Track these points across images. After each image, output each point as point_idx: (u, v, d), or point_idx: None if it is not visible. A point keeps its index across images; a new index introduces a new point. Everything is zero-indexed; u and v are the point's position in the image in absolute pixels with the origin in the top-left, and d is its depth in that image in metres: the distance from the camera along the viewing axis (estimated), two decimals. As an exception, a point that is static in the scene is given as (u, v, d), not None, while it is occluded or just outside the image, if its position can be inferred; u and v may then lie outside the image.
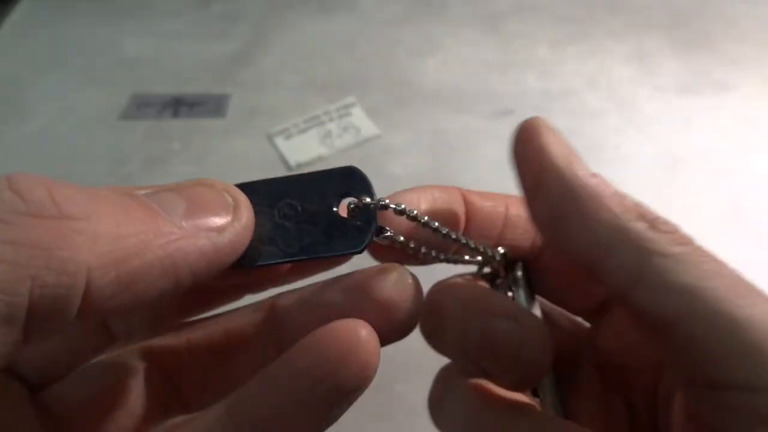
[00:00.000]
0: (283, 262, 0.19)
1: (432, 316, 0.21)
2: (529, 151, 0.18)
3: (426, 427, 0.40)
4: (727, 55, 0.68)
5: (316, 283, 0.20)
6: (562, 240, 0.17)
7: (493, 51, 0.70)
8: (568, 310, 0.24)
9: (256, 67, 0.69)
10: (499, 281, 0.22)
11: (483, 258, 0.21)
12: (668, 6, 0.75)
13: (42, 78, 0.68)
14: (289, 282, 0.22)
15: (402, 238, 0.19)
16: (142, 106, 0.64)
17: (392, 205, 0.19)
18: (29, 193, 0.14)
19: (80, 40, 0.73)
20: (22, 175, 0.14)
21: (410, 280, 0.18)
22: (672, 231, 0.17)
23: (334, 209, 0.19)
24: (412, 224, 0.20)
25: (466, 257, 0.21)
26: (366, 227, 0.18)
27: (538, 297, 0.23)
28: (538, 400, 0.21)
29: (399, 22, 0.74)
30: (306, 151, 0.59)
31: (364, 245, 0.18)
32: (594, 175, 0.17)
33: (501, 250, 0.21)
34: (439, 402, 0.22)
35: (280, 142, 0.60)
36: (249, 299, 0.22)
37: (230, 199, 0.17)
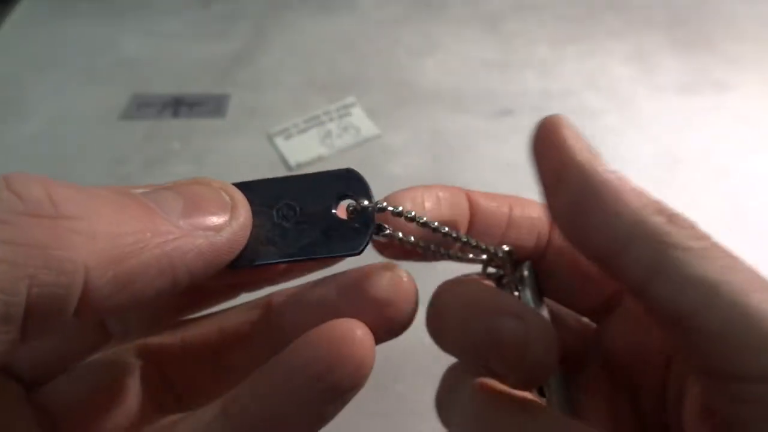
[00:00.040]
0: (281, 263, 0.19)
1: (438, 315, 0.21)
2: (549, 147, 0.18)
3: (426, 427, 0.40)
4: (727, 55, 0.68)
5: (312, 282, 0.20)
6: (582, 234, 0.17)
7: (493, 51, 0.70)
8: (573, 311, 0.24)
9: (255, 67, 0.69)
10: (505, 281, 0.22)
11: (486, 256, 0.21)
12: (668, 6, 0.75)
13: (42, 78, 0.68)
14: (286, 281, 0.22)
15: (401, 235, 0.19)
16: (142, 106, 0.64)
17: (389, 208, 0.19)
18: (27, 192, 0.14)
19: (80, 40, 0.73)
20: (20, 175, 0.14)
21: (405, 279, 0.18)
22: (690, 226, 0.17)
23: (333, 211, 0.19)
24: (432, 217, 0.20)
25: (470, 255, 0.21)
26: (364, 229, 0.19)
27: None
28: (544, 399, 0.21)
29: (399, 22, 0.74)
30: (306, 151, 0.59)
31: (362, 247, 0.19)
32: (613, 171, 0.17)
33: (505, 248, 0.21)
34: (446, 401, 0.22)
35: (280, 142, 0.60)
36: (245, 297, 0.23)
37: (228, 198, 0.18)
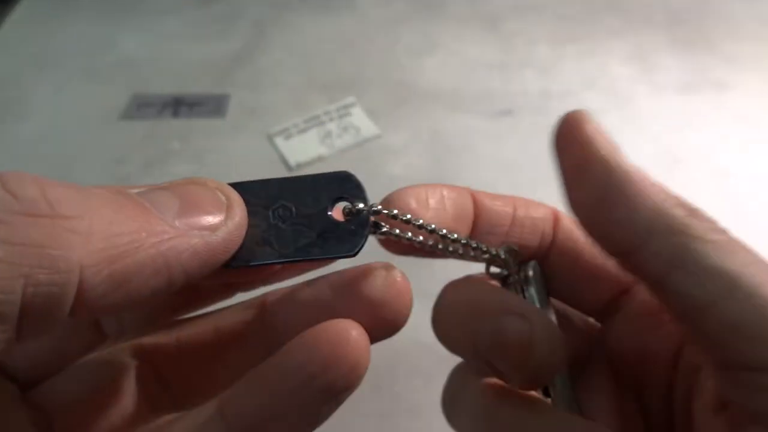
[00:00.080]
0: (277, 263, 0.19)
1: (442, 315, 0.21)
2: (572, 141, 0.18)
3: (426, 427, 0.40)
4: (727, 55, 0.67)
5: (306, 282, 0.20)
6: (603, 226, 0.18)
7: (493, 50, 0.70)
8: (577, 311, 0.24)
9: (255, 67, 0.69)
10: (511, 280, 0.22)
11: (488, 256, 0.21)
12: (667, 5, 0.75)
13: (42, 78, 0.68)
14: (281, 280, 0.22)
15: (398, 232, 0.20)
16: (142, 106, 0.64)
17: (384, 211, 0.19)
18: (22, 191, 0.14)
19: (80, 39, 0.73)
20: (15, 174, 0.14)
21: (399, 279, 0.18)
22: (709, 221, 0.17)
23: (329, 213, 0.19)
24: (439, 216, 0.20)
25: (472, 254, 0.21)
26: (360, 231, 0.19)
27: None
28: (549, 399, 0.21)
29: (399, 21, 0.74)
30: (306, 151, 0.59)
31: (357, 249, 0.19)
32: (635, 165, 0.18)
33: (511, 247, 0.22)
34: (452, 401, 0.22)
35: (280, 142, 0.60)
36: (240, 297, 0.23)
37: (223, 198, 0.18)
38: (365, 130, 0.61)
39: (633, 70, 0.67)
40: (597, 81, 0.65)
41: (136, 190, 0.16)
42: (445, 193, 0.21)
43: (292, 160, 0.58)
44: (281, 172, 0.57)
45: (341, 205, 0.19)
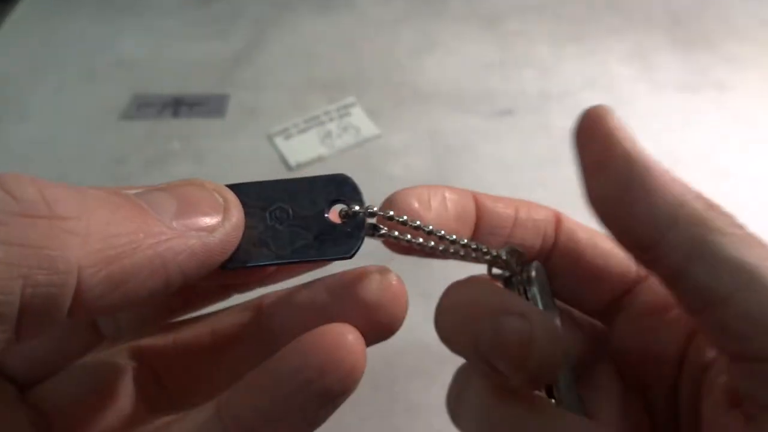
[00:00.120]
0: (274, 264, 0.19)
1: (444, 315, 0.21)
2: (593, 135, 0.18)
3: (425, 427, 0.40)
4: (727, 54, 0.67)
5: (303, 284, 0.20)
6: (623, 218, 0.18)
7: (493, 50, 0.70)
8: (577, 312, 0.24)
9: (256, 67, 0.69)
10: (514, 281, 0.22)
11: (489, 257, 0.21)
12: (667, 5, 0.75)
13: (42, 78, 0.68)
14: (278, 282, 0.22)
15: (397, 233, 0.20)
16: (142, 106, 0.64)
17: (380, 213, 0.19)
18: (21, 193, 0.14)
19: (80, 40, 0.73)
20: (14, 175, 0.14)
21: (395, 282, 0.19)
22: (728, 215, 0.17)
23: (326, 215, 0.19)
24: (440, 217, 0.20)
25: (473, 255, 0.21)
26: (356, 233, 0.19)
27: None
28: (553, 400, 0.21)
29: (398, 21, 0.74)
30: (306, 151, 0.59)
31: (353, 251, 0.19)
32: (655, 160, 0.18)
33: (513, 248, 0.22)
34: (456, 401, 0.22)
35: (280, 142, 0.60)
36: (237, 299, 0.23)
37: (221, 200, 0.18)
38: (365, 130, 0.61)
39: (633, 69, 0.67)
40: (597, 81, 0.65)
41: (133, 191, 0.17)
42: (447, 194, 0.21)
43: (292, 160, 0.58)
44: (281, 172, 0.57)
45: (338, 208, 0.19)
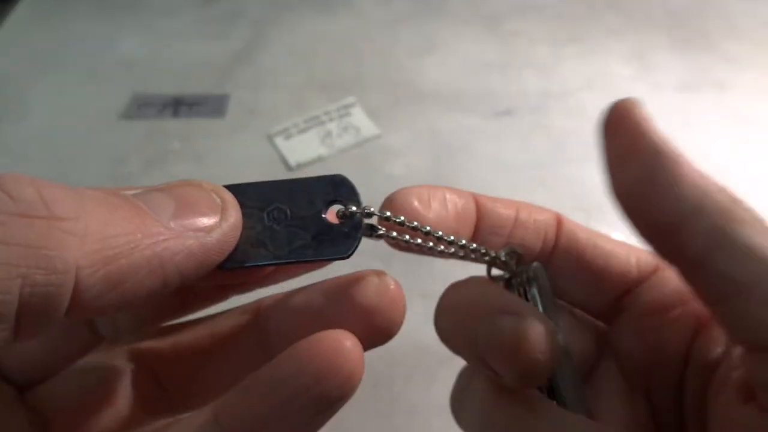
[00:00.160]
0: (271, 264, 0.19)
1: (443, 316, 0.21)
2: (622, 124, 0.18)
3: (425, 427, 0.40)
4: (727, 55, 0.67)
5: (301, 288, 0.20)
6: (648, 205, 0.18)
7: (493, 50, 0.70)
8: (580, 313, 0.24)
9: (256, 67, 0.69)
10: (514, 282, 0.23)
11: (488, 258, 0.21)
12: (667, 5, 0.75)
13: (42, 78, 0.68)
14: (276, 283, 0.22)
15: (395, 234, 0.20)
16: (142, 106, 0.64)
17: (377, 213, 0.19)
18: (19, 193, 0.14)
19: (80, 39, 0.73)
20: (12, 176, 0.14)
21: (392, 286, 0.19)
22: (751, 209, 0.17)
23: (323, 215, 0.19)
24: (440, 216, 0.20)
25: (473, 255, 0.21)
26: (353, 234, 0.19)
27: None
28: (555, 401, 0.22)
29: (399, 21, 0.74)
30: (306, 151, 0.59)
31: (350, 252, 0.19)
32: (682, 153, 0.18)
33: (513, 249, 0.22)
34: (458, 401, 0.22)
35: (280, 142, 0.60)
36: (235, 302, 0.23)
37: (218, 200, 0.18)
38: (365, 130, 0.61)
39: (633, 69, 0.67)
40: (597, 81, 0.65)
41: (131, 192, 0.17)
42: (447, 195, 0.21)
43: (292, 160, 0.58)
44: (281, 172, 0.57)
45: (335, 208, 0.19)
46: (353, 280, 0.19)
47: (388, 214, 0.20)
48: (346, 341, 0.17)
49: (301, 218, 0.19)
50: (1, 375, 0.20)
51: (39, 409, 0.20)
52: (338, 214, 0.19)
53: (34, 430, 0.19)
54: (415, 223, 0.20)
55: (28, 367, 0.20)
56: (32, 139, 0.62)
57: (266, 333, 0.21)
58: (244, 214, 0.18)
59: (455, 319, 0.21)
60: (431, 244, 0.20)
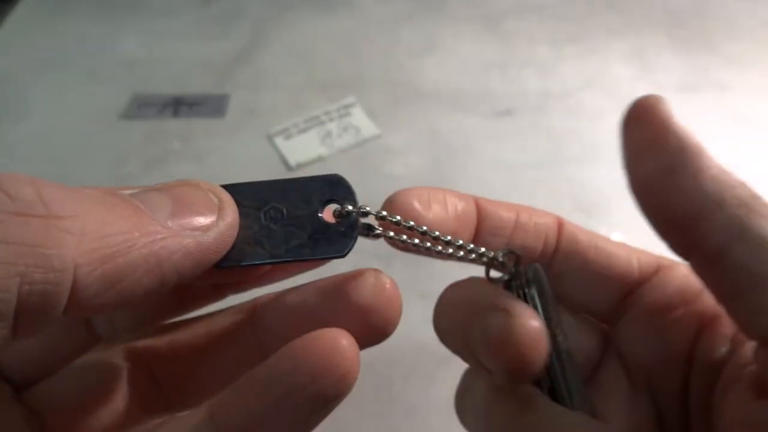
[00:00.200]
0: (268, 263, 0.19)
1: (440, 315, 0.21)
2: (647, 117, 0.19)
3: (424, 427, 0.40)
4: (727, 55, 0.67)
5: (296, 287, 0.21)
6: (670, 196, 0.18)
7: (493, 50, 0.70)
8: (583, 315, 0.24)
9: (256, 67, 0.69)
10: (513, 283, 0.23)
11: (486, 259, 0.21)
12: (667, 5, 0.75)
13: (42, 78, 0.68)
14: (273, 282, 0.22)
15: (392, 234, 0.20)
16: (142, 106, 0.64)
17: (373, 213, 0.20)
18: (17, 192, 0.14)
19: (80, 39, 0.73)
20: (11, 175, 0.14)
21: (388, 285, 0.19)
22: None
23: (320, 214, 0.19)
24: (440, 218, 0.20)
25: (472, 256, 0.21)
26: (349, 233, 0.19)
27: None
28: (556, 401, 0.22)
29: (399, 21, 0.74)
30: (306, 151, 0.59)
31: (347, 250, 0.19)
32: (705, 148, 0.18)
33: (511, 250, 0.22)
34: (461, 400, 0.23)
35: (280, 142, 0.60)
36: (232, 300, 0.23)
37: (215, 200, 0.18)
38: (365, 130, 0.61)
39: (633, 69, 0.67)
40: (597, 81, 0.65)
41: (129, 192, 0.17)
42: (447, 197, 0.21)
43: (292, 160, 0.58)
44: (281, 172, 0.57)
45: (331, 207, 0.19)
46: (349, 279, 0.19)
47: (384, 213, 0.20)
48: (342, 340, 0.17)
49: (298, 217, 0.19)
50: None
51: (36, 408, 0.20)
52: (335, 214, 0.19)
53: (31, 429, 0.19)
54: (411, 223, 0.20)
55: (25, 366, 0.21)
56: (32, 139, 0.62)
57: (262, 331, 0.21)
58: (241, 214, 0.18)
59: (452, 318, 0.21)
60: (429, 244, 0.20)
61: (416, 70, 0.68)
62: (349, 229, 0.19)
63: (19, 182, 0.14)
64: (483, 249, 0.21)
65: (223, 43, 0.72)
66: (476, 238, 0.22)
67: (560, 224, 0.23)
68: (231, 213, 0.18)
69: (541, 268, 0.22)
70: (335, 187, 0.20)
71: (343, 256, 0.19)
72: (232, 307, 0.22)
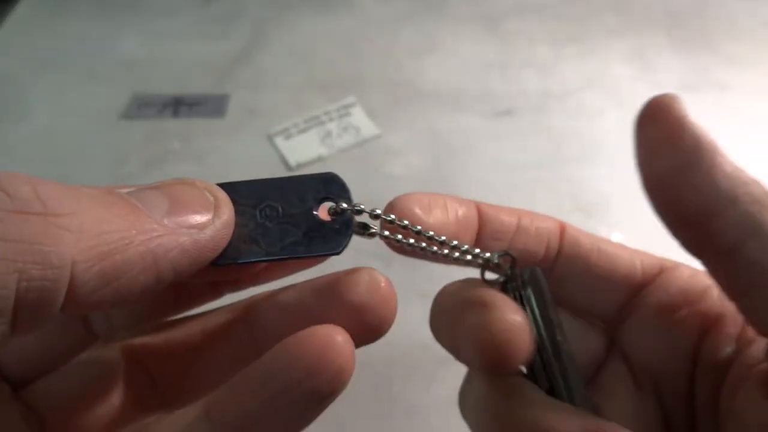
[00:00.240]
0: (264, 261, 0.19)
1: (434, 315, 0.21)
2: (663, 115, 0.19)
3: (424, 427, 0.40)
4: (727, 55, 0.67)
5: (291, 285, 0.21)
6: (684, 192, 0.18)
7: (493, 50, 0.70)
8: (587, 318, 0.24)
9: (256, 67, 0.69)
10: (509, 285, 0.23)
11: (480, 260, 0.21)
12: (667, 5, 0.75)
13: (42, 78, 0.68)
14: (269, 281, 0.22)
15: (387, 233, 0.20)
16: (142, 106, 0.64)
17: (367, 210, 0.20)
18: (15, 190, 0.14)
19: (80, 40, 0.73)
20: (9, 174, 0.15)
21: (382, 284, 0.19)
22: None
23: (315, 212, 0.20)
24: (441, 222, 0.20)
25: (468, 257, 0.21)
26: (344, 230, 0.19)
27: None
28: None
29: (399, 21, 0.74)
30: (306, 151, 0.59)
31: (341, 248, 0.19)
32: (720, 146, 0.18)
33: (506, 252, 0.22)
34: (463, 396, 0.23)
35: (280, 142, 0.60)
36: (228, 299, 0.23)
37: (211, 198, 0.18)
38: (365, 130, 0.61)
39: (633, 69, 0.67)
40: (597, 81, 0.65)
41: (126, 190, 0.17)
42: (447, 202, 0.22)
43: (292, 160, 0.58)
44: (281, 172, 0.57)
45: (326, 205, 0.20)
46: (343, 277, 0.19)
47: (379, 211, 0.20)
48: (337, 336, 0.17)
49: (293, 215, 0.19)
50: None
51: (34, 406, 0.20)
52: (329, 211, 0.20)
53: (28, 427, 0.19)
54: (406, 222, 0.20)
55: (23, 364, 0.21)
56: (32, 139, 0.62)
57: (257, 329, 0.21)
58: (236, 212, 0.19)
59: (442, 316, 0.21)
60: (424, 244, 0.20)
61: (416, 70, 0.68)
62: (344, 227, 0.19)
63: (17, 180, 0.14)
64: (477, 250, 0.21)
65: (223, 43, 0.72)
66: (477, 243, 0.22)
67: (562, 228, 0.23)
68: (227, 211, 0.18)
69: (539, 270, 0.22)
70: (330, 185, 0.20)
71: (338, 253, 0.19)
72: (227, 305, 0.22)
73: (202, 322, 0.22)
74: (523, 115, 0.62)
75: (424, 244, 0.20)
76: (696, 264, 0.22)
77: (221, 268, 0.19)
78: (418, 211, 0.20)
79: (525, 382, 0.21)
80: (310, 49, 0.71)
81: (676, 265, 0.23)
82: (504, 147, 0.59)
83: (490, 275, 0.22)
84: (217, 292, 0.23)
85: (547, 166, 0.56)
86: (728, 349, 0.21)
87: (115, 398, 0.20)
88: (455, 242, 0.21)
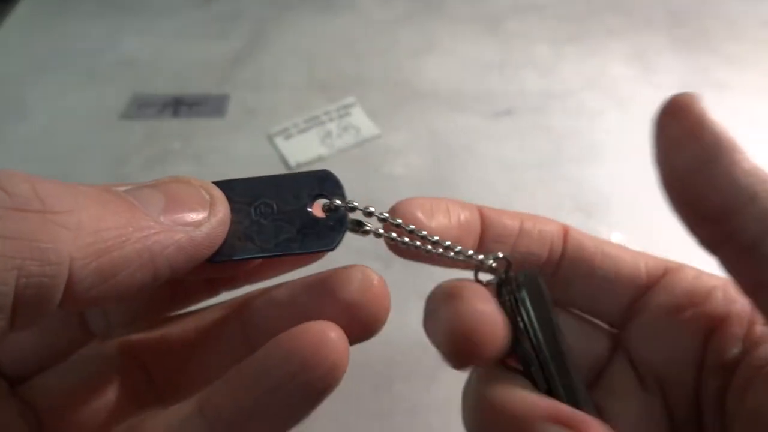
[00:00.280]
0: (258, 257, 0.19)
1: (426, 316, 0.21)
2: (683, 113, 0.19)
3: (425, 427, 0.40)
4: (727, 54, 0.67)
5: (285, 282, 0.21)
6: (705, 188, 0.18)
7: (493, 50, 0.70)
8: (592, 321, 0.24)
9: (256, 67, 0.69)
10: (505, 289, 0.23)
11: (475, 262, 0.21)
12: (667, 5, 0.75)
13: (42, 78, 0.68)
14: (265, 279, 0.23)
15: (382, 231, 0.20)
16: (142, 106, 0.64)
17: (360, 208, 0.20)
18: (14, 188, 0.14)
19: (80, 40, 0.73)
20: (7, 172, 0.15)
21: (375, 282, 0.19)
22: None
23: (309, 209, 0.20)
24: (443, 225, 0.21)
25: (460, 257, 0.21)
26: (338, 227, 0.20)
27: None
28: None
29: (399, 21, 0.74)
30: (306, 151, 0.59)
31: (335, 244, 0.19)
32: (740, 144, 0.18)
33: (503, 255, 0.22)
34: (464, 393, 0.23)
35: (280, 142, 0.60)
36: (225, 297, 0.23)
37: (207, 196, 0.18)
38: (365, 130, 0.61)
39: (633, 69, 0.67)
40: (597, 81, 0.65)
41: (122, 188, 0.17)
42: (449, 206, 0.22)
43: (292, 160, 0.58)
44: (281, 172, 0.57)
45: (321, 202, 0.20)
46: (336, 275, 0.19)
47: (372, 209, 0.20)
48: (331, 332, 0.17)
49: (287, 212, 0.20)
50: None
51: (31, 403, 0.20)
52: (323, 208, 0.20)
53: (25, 423, 0.20)
54: (399, 221, 0.20)
55: (20, 361, 0.21)
56: (32, 139, 0.62)
57: (250, 326, 0.21)
58: (232, 209, 0.19)
59: (425, 312, 0.21)
60: (418, 243, 0.20)
61: (416, 70, 0.68)
62: (338, 223, 0.20)
63: (15, 179, 0.15)
64: (471, 252, 0.21)
65: (223, 43, 0.72)
66: (480, 247, 0.22)
67: (566, 231, 0.23)
68: (222, 209, 0.18)
69: (535, 272, 0.22)
70: (324, 182, 0.20)
71: (332, 250, 0.19)
72: (222, 302, 0.23)
73: (197, 319, 0.22)
74: (523, 115, 0.62)
75: (429, 247, 0.20)
76: (699, 264, 0.22)
77: (217, 265, 0.19)
78: (420, 215, 0.20)
79: (510, 374, 0.21)
80: (310, 49, 0.71)
81: (681, 267, 0.23)
82: (504, 147, 0.59)
83: (486, 277, 0.22)
84: (213, 289, 0.23)
85: (547, 166, 0.56)
86: (734, 349, 0.21)
87: (112, 394, 0.21)
88: (448, 243, 0.21)
